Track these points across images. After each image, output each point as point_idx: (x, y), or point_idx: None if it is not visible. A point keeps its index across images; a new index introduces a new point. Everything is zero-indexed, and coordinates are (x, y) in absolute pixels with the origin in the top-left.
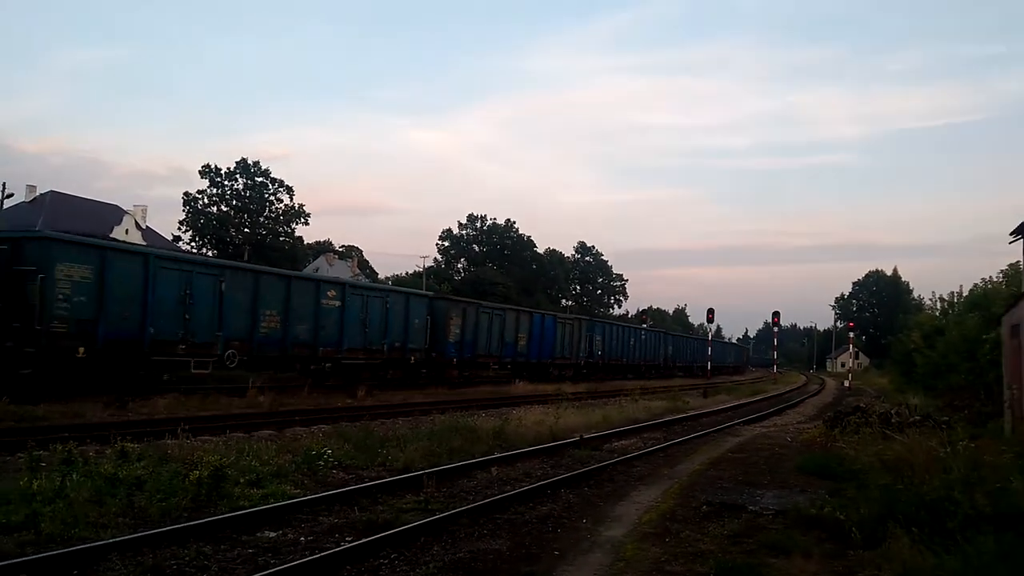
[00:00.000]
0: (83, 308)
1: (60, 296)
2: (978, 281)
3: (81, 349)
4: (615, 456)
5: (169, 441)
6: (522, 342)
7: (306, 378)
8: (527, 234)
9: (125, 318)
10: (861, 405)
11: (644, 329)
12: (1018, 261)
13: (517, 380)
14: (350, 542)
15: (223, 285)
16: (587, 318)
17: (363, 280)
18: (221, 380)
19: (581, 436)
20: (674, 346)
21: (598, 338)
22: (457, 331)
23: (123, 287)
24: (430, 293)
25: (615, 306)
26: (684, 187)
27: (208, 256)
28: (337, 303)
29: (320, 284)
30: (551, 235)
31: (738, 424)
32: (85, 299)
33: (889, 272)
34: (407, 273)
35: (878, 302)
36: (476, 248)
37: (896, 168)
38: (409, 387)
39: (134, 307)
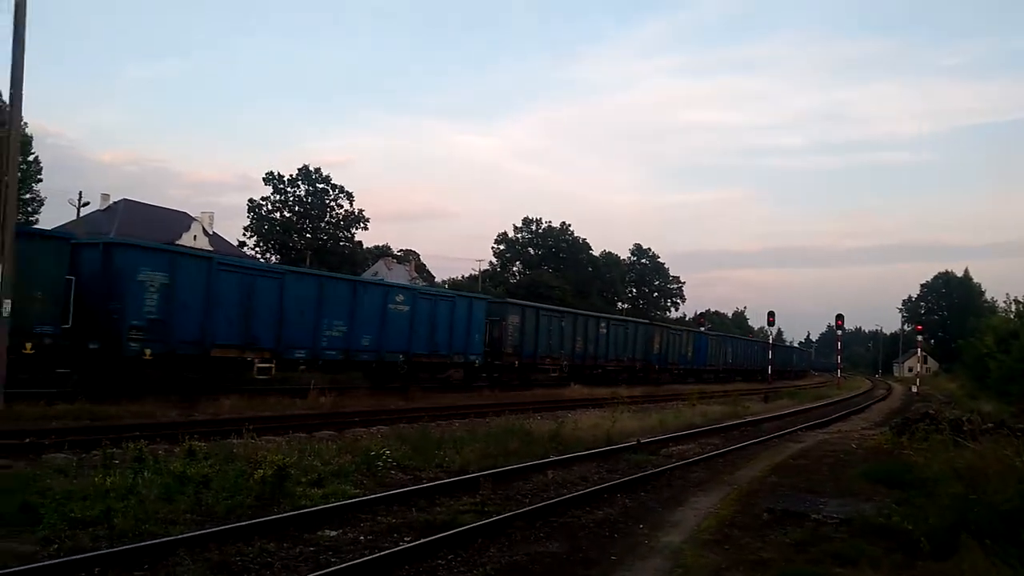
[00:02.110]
0: (517, 339)
1: (510, 333)
2: None
3: (516, 362)
4: (672, 461)
5: (234, 441)
6: (690, 354)
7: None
8: (582, 236)
9: (529, 343)
10: (930, 411)
11: (757, 342)
12: None
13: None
14: (408, 542)
15: (562, 323)
16: (723, 334)
17: (473, 294)
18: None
19: (638, 440)
20: (770, 353)
21: (729, 349)
22: (658, 347)
23: (528, 327)
24: (644, 321)
25: (672, 309)
26: (742, 188)
27: (554, 307)
28: (604, 331)
29: (600, 319)
30: (606, 237)
31: (800, 430)
32: (517, 334)
33: (960, 273)
34: (463, 277)
35: (948, 304)
36: (531, 251)
37: (963, 165)
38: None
39: (530, 337)
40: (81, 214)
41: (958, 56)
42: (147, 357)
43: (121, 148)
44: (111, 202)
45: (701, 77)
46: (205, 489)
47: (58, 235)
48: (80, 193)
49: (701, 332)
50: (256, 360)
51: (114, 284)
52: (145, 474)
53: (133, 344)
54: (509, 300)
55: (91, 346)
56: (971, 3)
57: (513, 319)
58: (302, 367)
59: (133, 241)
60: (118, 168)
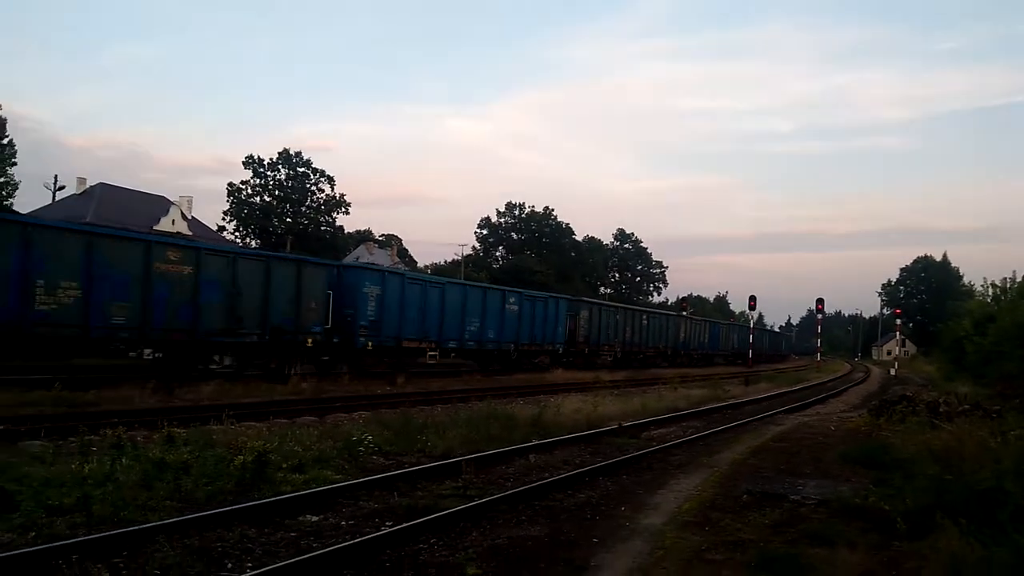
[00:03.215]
0: (587, 331)
1: (581, 325)
2: None
3: (586, 349)
4: (654, 444)
5: (214, 427)
6: (706, 340)
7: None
8: (565, 221)
9: (594, 333)
10: (908, 394)
11: (756, 329)
12: None
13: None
14: (390, 527)
15: (616, 316)
16: (731, 322)
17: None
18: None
19: (619, 424)
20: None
21: (735, 336)
22: (683, 335)
23: (594, 320)
24: (673, 313)
25: (654, 293)
26: (725, 173)
27: (611, 303)
28: (646, 322)
29: (643, 313)
30: (590, 222)
31: (780, 413)
32: (587, 326)
33: (938, 258)
34: (446, 262)
35: (927, 288)
36: (514, 236)
37: (945, 151)
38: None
39: (595, 328)
40: (57, 198)
41: (948, 42)
42: (369, 348)
43: (96, 132)
44: (87, 186)
45: (691, 62)
46: (184, 475)
47: (325, 262)
48: (55, 177)
49: (715, 322)
50: (428, 349)
51: (348, 295)
52: (123, 460)
53: (361, 339)
54: (583, 299)
55: (335, 340)
56: None
57: (584, 314)
58: (453, 354)
59: (359, 264)
60: (93, 152)
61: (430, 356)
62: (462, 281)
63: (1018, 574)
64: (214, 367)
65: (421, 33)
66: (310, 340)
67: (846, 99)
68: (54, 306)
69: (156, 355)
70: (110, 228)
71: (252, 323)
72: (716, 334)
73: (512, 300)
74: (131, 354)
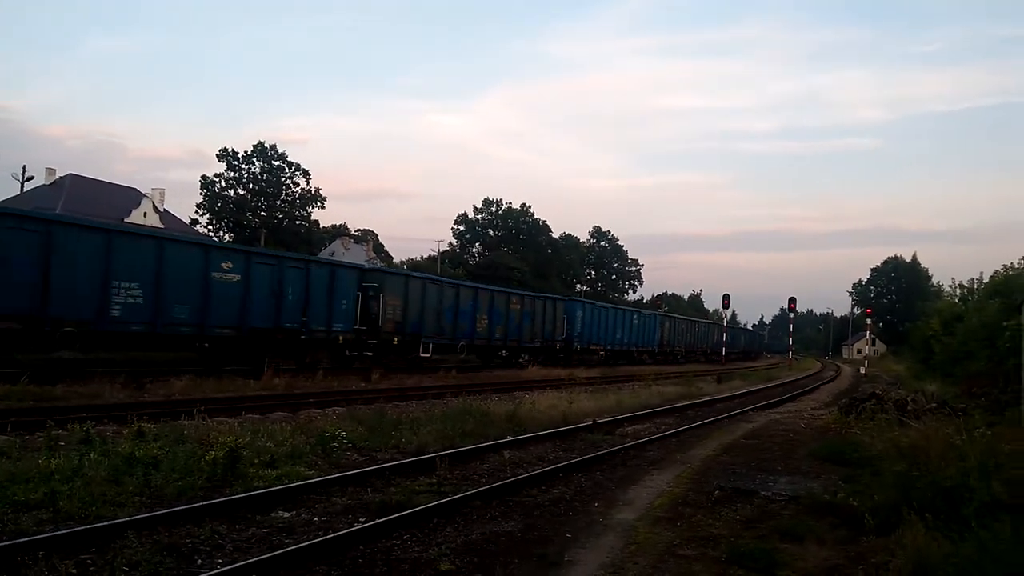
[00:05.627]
0: (668, 335)
1: (666, 332)
2: (999, 268)
3: (669, 349)
4: (628, 441)
5: (185, 422)
6: (729, 341)
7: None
8: (542, 218)
9: (673, 337)
10: (877, 392)
11: (748, 329)
12: None
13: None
14: (363, 523)
15: (681, 325)
16: (722, 324)
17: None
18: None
19: (594, 420)
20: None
21: (743, 338)
22: (716, 338)
23: (673, 328)
24: (706, 320)
25: (629, 291)
26: (702, 172)
27: (677, 315)
28: (696, 329)
29: (694, 322)
30: (567, 220)
31: (752, 410)
32: (670, 332)
33: (908, 258)
34: (422, 257)
35: (896, 288)
36: (491, 232)
37: (918, 152)
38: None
39: (673, 334)
40: (25, 189)
41: (925, 45)
42: (577, 350)
43: (68, 122)
44: (57, 177)
45: (672, 61)
46: (154, 471)
47: (562, 297)
48: (24, 167)
49: (729, 326)
50: (599, 350)
51: (569, 317)
52: (92, 456)
53: (576, 343)
54: (667, 314)
55: (562, 344)
56: None
57: (666, 325)
58: (608, 353)
59: (575, 298)
60: (65, 143)
61: (600, 354)
62: (615, 305)
63: (981, 568)
64: (521, 360)
65: (401, 27)
66: (557, 345)
67: (824, 99)
68: (480, 329)
69: (504, 353)
70: (492, 285)
71: (537, 336)
72: (732, 337)
73: (635, 316)
74: (499, 353)
